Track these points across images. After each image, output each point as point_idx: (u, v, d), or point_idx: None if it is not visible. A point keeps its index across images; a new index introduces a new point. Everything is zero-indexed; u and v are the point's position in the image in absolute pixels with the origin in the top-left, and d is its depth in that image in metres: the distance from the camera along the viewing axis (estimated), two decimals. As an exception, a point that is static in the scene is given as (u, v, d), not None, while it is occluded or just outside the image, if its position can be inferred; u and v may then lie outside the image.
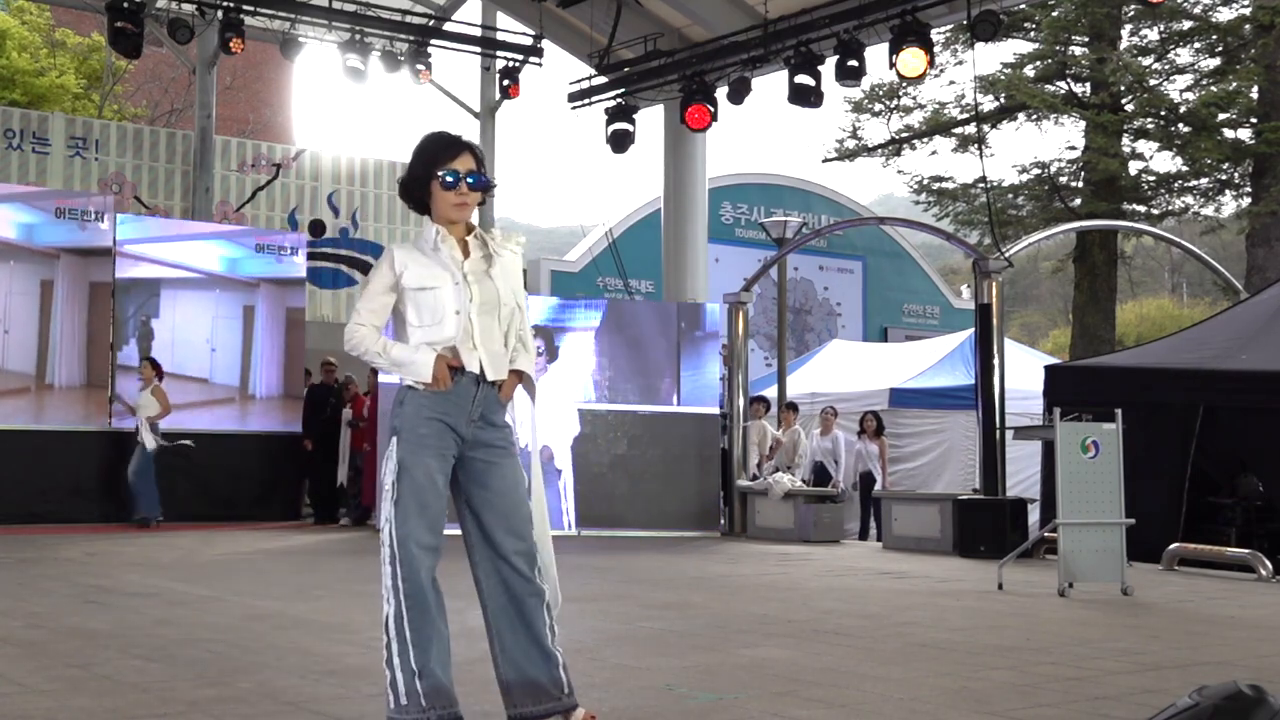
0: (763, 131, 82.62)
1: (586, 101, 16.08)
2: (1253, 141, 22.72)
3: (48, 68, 23.89)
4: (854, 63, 13.05)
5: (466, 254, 3.68)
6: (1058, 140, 75.75)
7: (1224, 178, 24.08)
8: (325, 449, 14.00)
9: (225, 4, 14.26)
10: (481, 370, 3.60)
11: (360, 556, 10.14)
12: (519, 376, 3.72)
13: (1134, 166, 24.31)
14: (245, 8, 14.38)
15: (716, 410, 13.24)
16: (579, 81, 16.27)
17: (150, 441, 12.60)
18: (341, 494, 13.98)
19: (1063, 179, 25.01)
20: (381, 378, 12.81)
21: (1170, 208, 25.02)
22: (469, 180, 3.63)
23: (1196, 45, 23.97)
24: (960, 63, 25.54)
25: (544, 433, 12.58)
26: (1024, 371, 13.35)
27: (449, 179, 3.62)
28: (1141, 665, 5.17)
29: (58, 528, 12.16)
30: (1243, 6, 23.02)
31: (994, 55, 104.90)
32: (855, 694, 4.44)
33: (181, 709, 4.01)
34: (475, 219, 3.88)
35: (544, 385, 12.64)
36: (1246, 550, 9.33)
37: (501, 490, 3.61)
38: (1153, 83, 23.84)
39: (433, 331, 3.58)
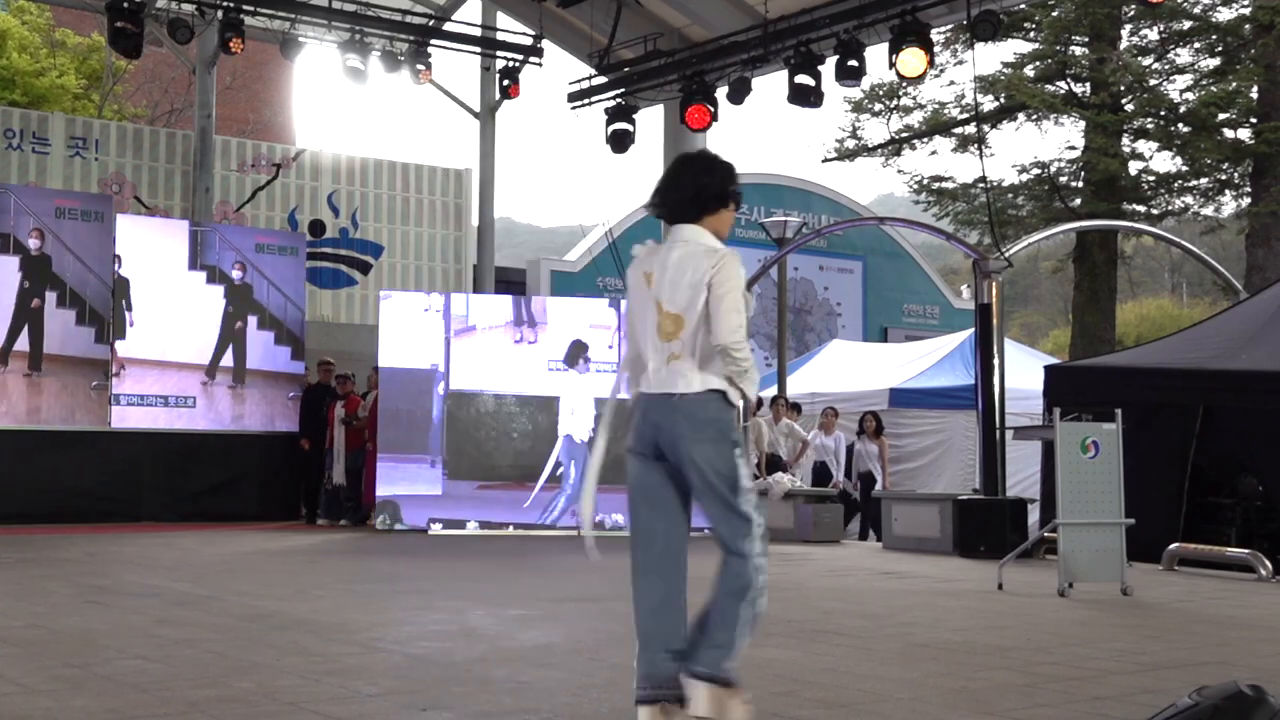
0: (763, 131, 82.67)
1: (586, 101, 16.07)
2: (1253, 141, 22.71)
3: (48, 68, 23.86)
4: (854, 63, 13.03)
5: None
6: (1058, 140, 75.88)
7: (1224, 178, 24.08)
8: (322, 449, 14.01)
9: (225, 4, 14.25)
10: None
11: (360, 556, 10.14)
12: None
13: (1134, 166, 24.31)
14: (245, 8, 14.37)
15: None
16: (579, 81, 16.26)
17: None
18: (331, 496, 13.90)
19: (1063, 179, 25.00)
20: (387, 375, 12.84)
21: (1170, 208, 25.02)
22: None
23: (1196, 45, 23.97)
24: (960, 63, 25.55)
25: (579, 422, 12.91)
26: (1024, 371, 13.34)
27: (741, 202, 3.93)
28: (1141, 665, 5.17)
29: (58, 528, 12.16)
30: (1243, 6, 23.03)
31: (994, 55, 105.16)
32: (855, 694, 4.44)
33: (181, 709, 4.00)
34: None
35: (578, 381, 12.92)
36: (1246, 550, 9.33)
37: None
38: (1153, 83, 23.84)
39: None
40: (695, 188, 3.84)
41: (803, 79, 13.34)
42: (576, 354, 12.91)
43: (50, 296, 13.15)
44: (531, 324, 13.00)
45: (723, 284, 3.69)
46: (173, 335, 13.76)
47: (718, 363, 3.71)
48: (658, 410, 3.75)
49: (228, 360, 14.03)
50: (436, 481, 12.75)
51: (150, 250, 13.83)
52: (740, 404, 3.78)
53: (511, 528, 12.64)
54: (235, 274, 14.15)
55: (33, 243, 13.06)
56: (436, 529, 12.59)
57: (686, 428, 3.70)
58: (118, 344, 13.42)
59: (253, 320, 14.25)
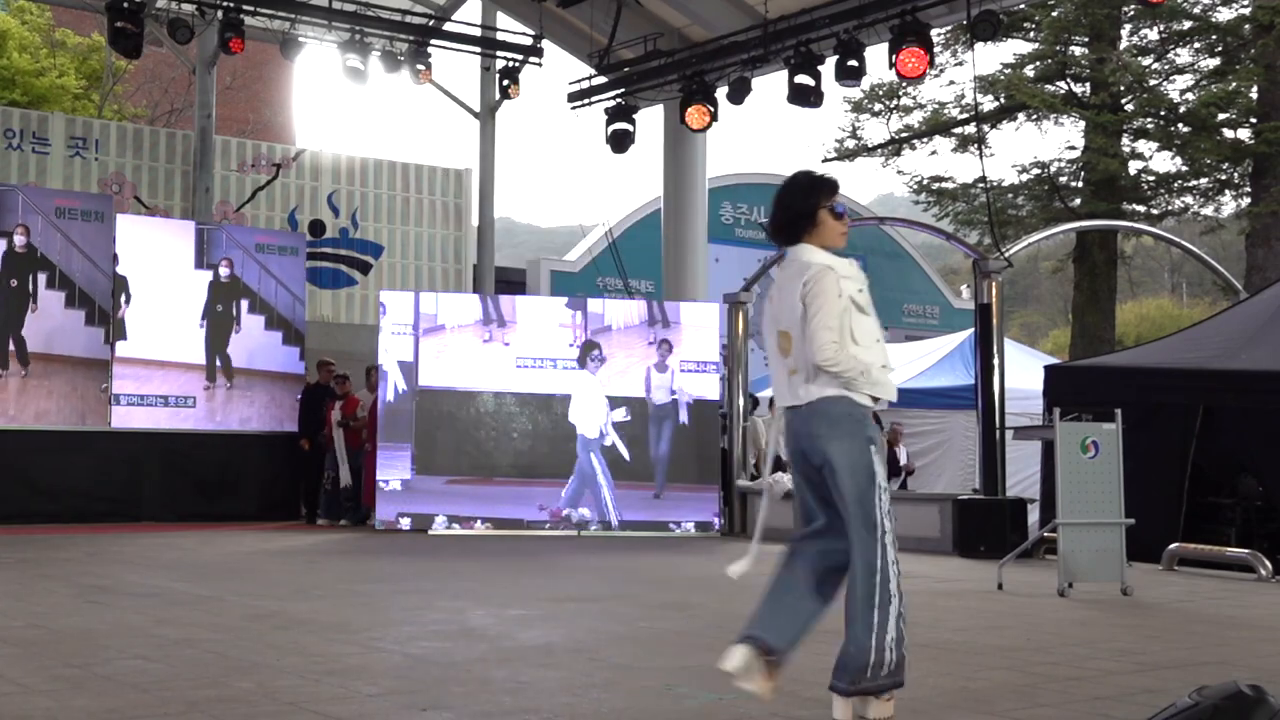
0: (763, 131, 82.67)
1: (586, 101, 16.07)
2: (1253, 141, 22.71)
3: (48, 68, 23.85)
4: (854, 63, 13.03)
5: None
6: (1058, 140, 75.78)
7: (1224, 178, 24.09)
8: (322, 449, 14.01)
9: (225, 4, 14.25)
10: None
11: (360, 556, 10.14)
12: None
13: (1134, 166, 24.31)
14: (245, 8, 14.37)
15: (718, 410, 13.27)
16: (579, 81, 16.25)
17: None
18: (331, 496, 13.89)
19: (1063, 179, 25.01)
20: (394, 379, 12.86)
21: (1170, 208, 25.02)
22: (847, 213, 4.11)
23: (1196, 45, 23.97)
24: (960, 63, 25.55)
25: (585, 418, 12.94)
26: (1024, 371, 13.35)
27: (839, 209, 4.04)
28: (1141, 665, 5.17)
29: (58, 528, 12.16)
30: (1243, 6, 23.03)
31: (994, 55, 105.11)
32: (855, 694, 4.43)
33: (181, 709, 4.01)
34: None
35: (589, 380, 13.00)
36: (1246, 550, 9.32)
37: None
38: (1153, 83, 23.84)
39: (869, 354, 3.89)
40: (784, 211, 4.05)
41: (803, 79, 13.34)
42: (585, 353, 12.93)
43: (59, 296, 13.14)
44: (501, 323, 13.01)
45: (813, 302, 3.86)
46: (176, 335, 13.79)
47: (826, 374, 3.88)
48: (797, 418, 3.99)
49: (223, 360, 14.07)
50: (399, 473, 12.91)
51: (156, 250, 13.84)
52: (870, 404, 3.92)
53: (479, 523, 12.65)
54: (223, 270, 14.12)
55: (18, 239, 12.99)
56: (405, 524, 12.62)
57: (823, 426, 3.90)
58: (120, 344, 13.42)
59: (260, 320, 14.26)
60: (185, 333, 13.86)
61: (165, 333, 13.73)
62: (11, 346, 12.92)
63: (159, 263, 13.81)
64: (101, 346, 13.33)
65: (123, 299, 13.50)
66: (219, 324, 14.07)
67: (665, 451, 13.07)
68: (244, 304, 14.23)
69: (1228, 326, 11.11)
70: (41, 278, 13.13)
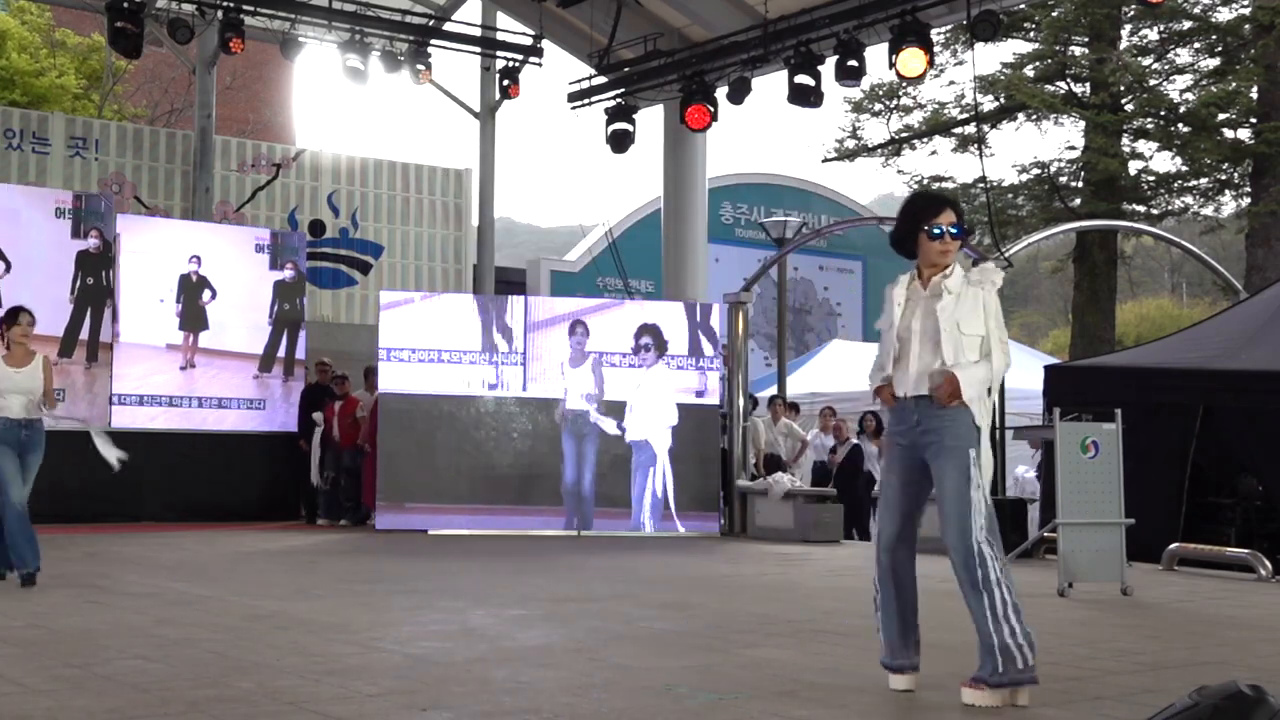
0: (763, 131, 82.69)
1: (586, 101, 16.07)
2: (1252, 141, 22.72)
3: (48, 68, 23.84)
4: (854, 63, 13.04)
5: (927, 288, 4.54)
6: (1058, 140, 75.61)
7: (1224, 178, 24.09)
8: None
9: (225, 4, 14.25)
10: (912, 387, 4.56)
11: (360, 556, 10.14)
12: (944, 375, 4.51)
13: (1134, 166, 24.32)
14: (245, 8, 14.37)
15: (718, 409, 13.26)
16: (579, 81, 16.26)
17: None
18: (331, 496, 13.87)
19: (1063, 179, 25.01)
20: (387, 384, 12.85)
21: (1170, 208, 25.03)
22: (951, 231, 4.48)
23: (1196, 45, 23.98)
24: (960, 63, 25.55)
25: (645, 423, 12.79)
26: (1024, 371, 13.33)
27: (935, 232, 4.48)
28: (1141, 665, 5.17)
29: (58, 528, 12.14)
30: (1243, 6, 23.04)
31: (994, 55, 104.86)
32: (855, 694, 4.44)
33: (181, 709, 4.01)
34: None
35: (648, 378, 12.84)
36: (1246, 550, 9.33)
37: (938, 482, 4.82)
38: (1153, 83, 23.84)
39: (884, 360, 4.70)
40: (895, 234, 4.61)
41: (803, 79, 13.34)
42: (637, 342, 12.83)
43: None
44: None
45: None
46: (251, 329, 14.30)
47: None
48: None
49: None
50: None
51: (230, 256, 14.31)
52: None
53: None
54: (288, 272, 14.55)
55: (92, 241, 13.44)
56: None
57: None
58: (203, 334, 14.00)
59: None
60: (259, 327, 14.37)
61: (240, 327, 14.22)
62: (84, 335, 13.35)
63: (235, 265, 14.28)
64: (175, 333, 13.84)
65: (207, 294, 14.05)
66: (284, 320, 14.49)
67: (589, 485, 12.59)
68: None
69: (1228, 326, 11.11)
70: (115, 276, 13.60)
